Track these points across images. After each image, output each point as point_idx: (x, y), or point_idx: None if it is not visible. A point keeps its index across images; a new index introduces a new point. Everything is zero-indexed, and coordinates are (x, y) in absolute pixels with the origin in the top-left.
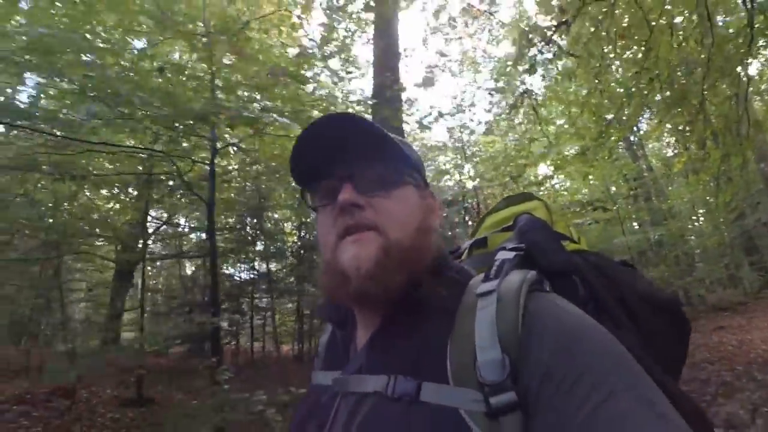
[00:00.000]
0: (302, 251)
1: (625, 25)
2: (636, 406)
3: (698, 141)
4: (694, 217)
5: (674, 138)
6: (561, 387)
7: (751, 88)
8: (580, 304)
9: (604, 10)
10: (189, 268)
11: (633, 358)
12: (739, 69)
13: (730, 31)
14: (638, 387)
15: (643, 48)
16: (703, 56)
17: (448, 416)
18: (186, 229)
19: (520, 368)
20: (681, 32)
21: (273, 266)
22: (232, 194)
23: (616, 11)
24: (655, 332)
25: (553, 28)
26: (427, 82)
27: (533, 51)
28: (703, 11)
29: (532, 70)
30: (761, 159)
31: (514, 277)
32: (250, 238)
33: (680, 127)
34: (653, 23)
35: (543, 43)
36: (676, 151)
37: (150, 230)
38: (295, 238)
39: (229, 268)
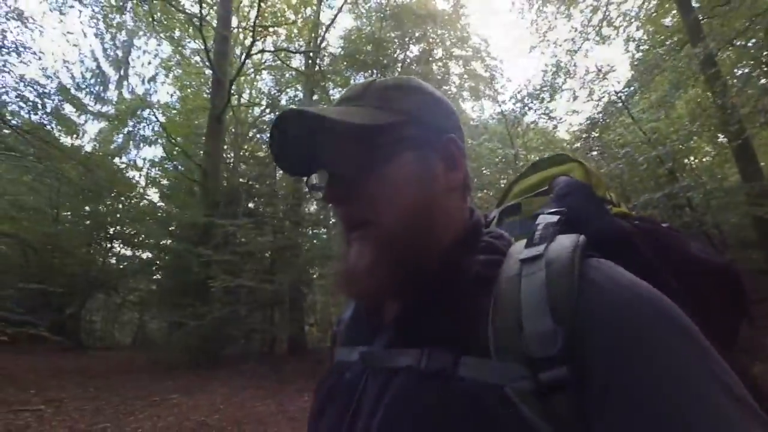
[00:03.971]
0: None
1: None
2: (715, 389)
3: None
4: None
5: None
6: (626, 363)
7: None
8: (632, 271)
9: None
10: None
11: (700, 332)
12: None
13: None
14: (714, 368)
15: None
16: None
17: (490, 394)
18: None
19: (575, 341)
20: None
21: None
22: None
23: None
24: (709, 301)
25: None
26: None
27: None
28: None
29: None
30: None
31: (564, 242)
32: None
33: None
34: None
35: None
36: None
37: None
38: None
39: None
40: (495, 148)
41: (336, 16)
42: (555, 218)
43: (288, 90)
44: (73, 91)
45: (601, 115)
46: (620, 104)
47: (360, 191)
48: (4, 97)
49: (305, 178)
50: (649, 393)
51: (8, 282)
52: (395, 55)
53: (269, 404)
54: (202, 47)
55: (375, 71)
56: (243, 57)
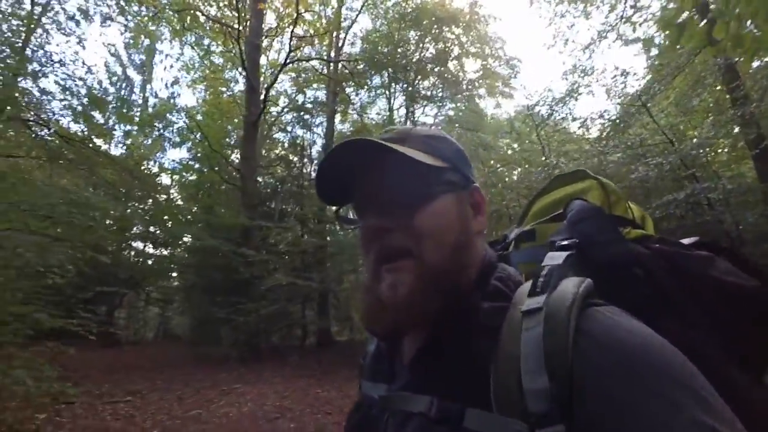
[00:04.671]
0: None
1: None
2: None
3: None
4: None
5: None
6: (621, 415)
7: None
8: (643, 300)
9: None
10: None
11: (704, 378)
12: None
13: None
14: (707, 420)
15: None
16: None
17: None
18: None
19: (569, 397)
20: None
21: None
22: None
23: None
24: (734, 329)
25: None
26: None
27: None
28: None
29: None
30: None
31: (565, 290)
32: None
33: None
34: None
35: None
36: None
37: None
38: None
39: None
40: (526, 148)
41: (356, 17)
42: (561, 258)
43: (306, 90)
44: (104, 96)
45: (620, 114)
46: (639, 104)
47: (405, 221)
48: (49, 105)
49: (335, 208)
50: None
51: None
52: (412, 57)
53: (329, 390)
54: (238, 56)
55: (392, 71)
56: (279, 67)
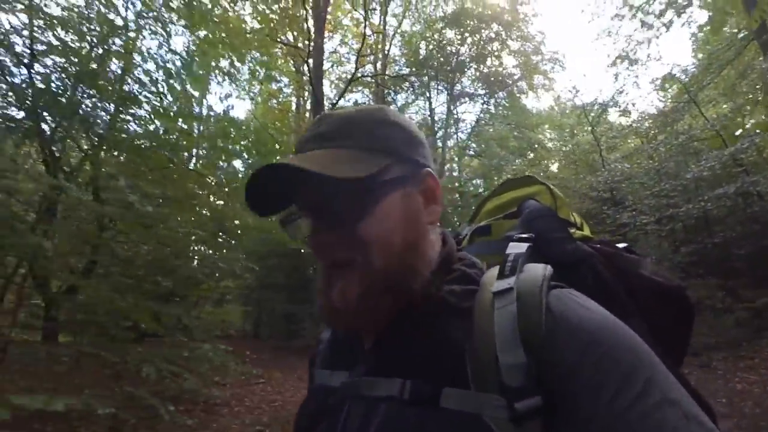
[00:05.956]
0: None
1: None
2: (665, 407)
3: None
4: None
5: None
6: (588, 385)
7: None
8: (590, 293)
9: None
10: None
11: (653, 353)
12: None
13: None
14: (663, 385)
15: None
16: None
17: (470, 422)
18: None
19: (544, 370)
20: None
21: None
22: None
23: None
24: (660, 320)
25: None
26: None
27: None
28: None
29: None
30: None
31: (533, 273)
32: None
33: None
34: None
35: None
36: None
37: None
38: None
39: None
40: (579, 142)
41: (400, 24)
42: (524, 247)
43: (347, 95)
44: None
45: (668, 107)
46: (687, 98)
47: (346, 233)
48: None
49: (278, 218)
50: (611, 421)
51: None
52: (452, 58)
53: None
54: (297, 72)
55: (433, 71)
56: (346, 83)
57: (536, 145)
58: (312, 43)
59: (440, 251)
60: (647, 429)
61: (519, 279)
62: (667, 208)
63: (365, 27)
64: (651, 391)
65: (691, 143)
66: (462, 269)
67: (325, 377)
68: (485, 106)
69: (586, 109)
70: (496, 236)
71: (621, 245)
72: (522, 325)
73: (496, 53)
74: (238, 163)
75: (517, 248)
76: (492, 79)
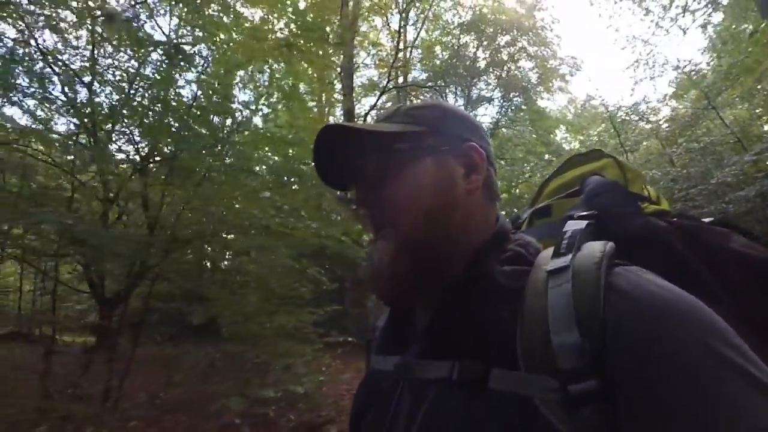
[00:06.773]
0: None
1: None
2: (748, 389)
3: None
4: None
5: None
6: (660, 371)
7: None
8: (664, 274)
9: None
10: None
11: (737, 334)
12: None
13: None
14: (744, 366)
15: None
16: None
17: (519, 405)
18: None
19: (604, 354)
20: None
21: None
22: None
23: None
24: (755, 303)
25: None
26: None
27: None
28: None
29: None
30: None
31: (591, 250)
32: None
33: None
34: None
35: None
36: None
37: None
38: None
39: None
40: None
41: (419, 32)
42: (583, 224)
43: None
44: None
45: (688, 111)
46: (707, 103)
47: (381, 196)
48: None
49: (338, 192)
50: (677, 405)
51: None
52: (469, 63)
53: None
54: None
55: (453, 78)
56: (380, 93)
57: (554, 148)
58: (341, 55)
59: (491, 230)
60: (731, 412)
61: (576, 257)
62: (692, 209)
63: (398, 41)
64: (728, 376)
65: (713, 147)
66: (515, 249)
67: (380, 362)
68: (503, 109)
69: (611, 114)
70: (557, 217)
71: (707, 219)
72: (578, 304)
73: (515, 57)
74: None
75: (575, 225)
76: (509, 83)
